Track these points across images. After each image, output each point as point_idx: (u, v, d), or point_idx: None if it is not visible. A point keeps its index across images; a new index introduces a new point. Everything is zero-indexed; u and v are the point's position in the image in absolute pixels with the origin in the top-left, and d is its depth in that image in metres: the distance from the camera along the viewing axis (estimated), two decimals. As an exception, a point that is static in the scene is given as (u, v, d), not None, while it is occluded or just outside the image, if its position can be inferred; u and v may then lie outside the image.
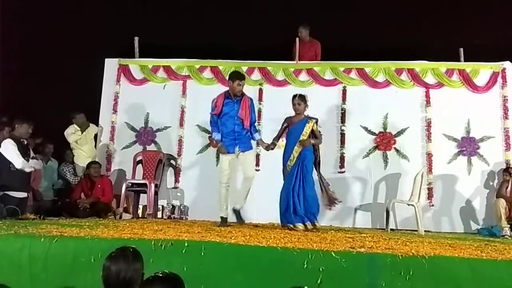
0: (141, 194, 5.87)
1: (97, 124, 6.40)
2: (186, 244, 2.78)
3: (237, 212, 4.61)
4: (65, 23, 6.98)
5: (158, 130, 6.35)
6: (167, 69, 6.48)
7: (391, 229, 5.40)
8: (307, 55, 6.43)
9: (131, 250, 1.94)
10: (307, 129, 4.60)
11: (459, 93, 6.08)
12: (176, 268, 2.67)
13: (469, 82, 6.08)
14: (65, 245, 2.90)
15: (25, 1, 6.97)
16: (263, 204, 5.73)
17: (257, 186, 5.88)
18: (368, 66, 6.25)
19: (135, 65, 6.56)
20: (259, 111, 6.19)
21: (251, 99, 4.80)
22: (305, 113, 4.76)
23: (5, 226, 3.45)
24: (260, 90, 6.28)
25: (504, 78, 6.08)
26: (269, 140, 5.74)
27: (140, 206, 5.90)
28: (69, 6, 7.02)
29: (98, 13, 7.00)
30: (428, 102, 6.07)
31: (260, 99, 6.25)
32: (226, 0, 7.15)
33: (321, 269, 2.63)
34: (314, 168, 4.69)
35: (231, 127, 4.64)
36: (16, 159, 4.69)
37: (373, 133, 6.05)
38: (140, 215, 5.78)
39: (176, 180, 6.18)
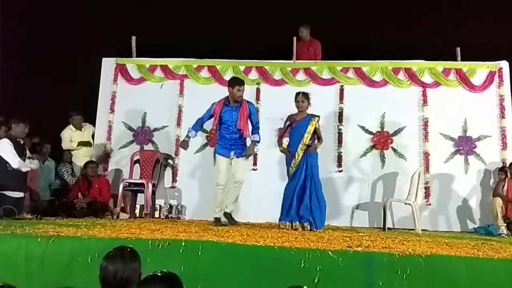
0: (139, 194, 5.87)
1: (94, 124, 6.39)
2: (183, 244, 2.78)
3: (228, 215, 4.65)
4: (63, 23, 6.96)
5: (155, 129, 6.34)
6: (165, 68, 6.47)
7: (388, 228, 5.42)
8: (306, 54, 6.44)
9: (129, 249, 1.93)
10: (310, 127, 4.59)
11: (456, 92, 6.09)
12: (173, 267, 2.67)
13: (466, 82, 6.10)
14: (62, 245, 2.89)
15: (24, 1, 6.94)
16: (261, 203, 5.76)
17: (254, 186, 5.93)
18: (365, 65, 6.26)
19: (132, 64, 6.54)
20: (256, 111, 6.18)
21: (251, 103, 4.79)
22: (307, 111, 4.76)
23: (1, 226, 3.43)
24: (258, 90, 6.28)
25: (500, 77, 6.09)
26: (269, 140, 5.83)
27: (138, 206, 5.88)
28: (67, 6, 7.00)
29: (96, 13, 6.99)
30: (425, 101, 6.08)
31: (257, 98, 6.24)
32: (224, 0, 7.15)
33: (318, 268, 2.63)
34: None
35: (229, 135, 4.68)
36: (13, 159, 4.67)
37: (370, 133, 6.06)
38: (137, 215, 5.77)
39: (174, 180, 6.17)
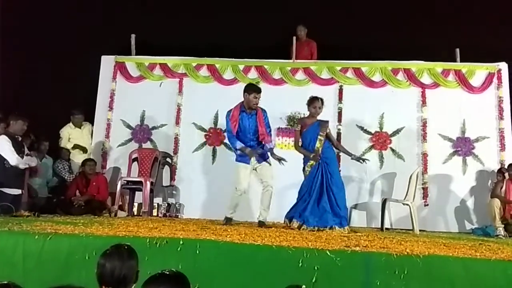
0: (137, 192, 5.86)
1: (92, 121, 6.39)
2: (181, 242, 2.78)
3: (262, 224, 4.50)
4: (62, 20, 6.94)
5: (154, 127, 6.34)
6: (164, 66, 6.46)
7: (386, 228, 5.43)
8: (302, 54, 6.45)
9: (126, 247, 1.93)
10: (322, 133, 4.57)
11: (455, 93, 6.10)
12: (171, 266, 2.63)
13: (465, 83, 6.11)
14: (59, 243, 2.88)
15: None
16: (258, 202, 5.73)
17: (252, 185, 5.92)
18: (365, 65, 6.26)
19: (131, 62, 6.54)
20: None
21: (265, 112, 4.73)
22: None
23: (-1, 223, 3.42)
24: (257, 89, 6.26)
25: (499, 78, 6.11)
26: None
27: (136, 204, 5.88)
28: (67, 4, 6.98)
29: (95, 11, 6.97)
30: (424, 102, 6.09)
31: (256, 97, 6.23)
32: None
33: (316, 268, 2.63)
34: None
35: (247, 143, 4.61)
36: (11, 156, 4.66)
37: (369, 133, 6.07)
38: (135, 213, 5.77)
39: (172, 178, 6.17)
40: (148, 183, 5.64)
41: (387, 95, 6.15)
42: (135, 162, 6.02)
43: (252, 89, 4.66)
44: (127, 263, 1.87)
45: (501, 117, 5.97)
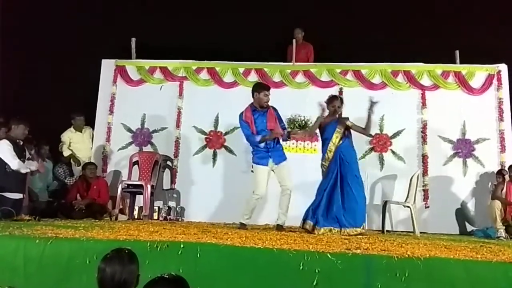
0: (137, 195, 5.86)
1: (93, 125, 6.40)
2: (182, 246, 2.77)
3: (280, 228, 4.42)
4: (63, 24, 6.98)
5: (154, 131, 6.35)
6: (164, 70, 6.48)
7: (387, 231, 5.41)
8: (299, 57, 6.46)
9: (126, 251, 1.93)
10: (340, 127, 4.55)
11: (455, 95, 6.11)
12: (172, 269, 2.63)
13: (465, 84, 6.11)
14: (60, 247, 2.88)
15: (24, 2, 6.95)
16: (260, 205, 5.73)
17: (252, 188, 5.92)
18: (365, 68, 6.27)
19: (132, 66, 6.55)
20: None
21: (276, 110, 4.69)
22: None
23: (0, 227, 3.42)
24: (257, 92, 6.28)
25: (499, 80, 6.11)
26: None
27: (136, 207, 5.88)
28: (67, 7, 7.01)
29: (95, 14, 7.00)
30: (424, 104, 6.09)
31: (256, 100, 6.24)
32: (223, 1, 7.17)
33: (317, 271, 2.63)
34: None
35: (263, 143, 4.53)
36: (12, 160, 4.66)
37: (369, 135, 6.05)
38: (136, 217, 5.77)
39: (173, 181, 6.17)
40: (149, 187, 5.64)
41: (387, 97, 6.12)
42: (136, 166, 6.02)
43: (261, 87, 4.64)
44: (127, 267, 1.87)
45: (501, 119, 5.98)
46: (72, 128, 6.23)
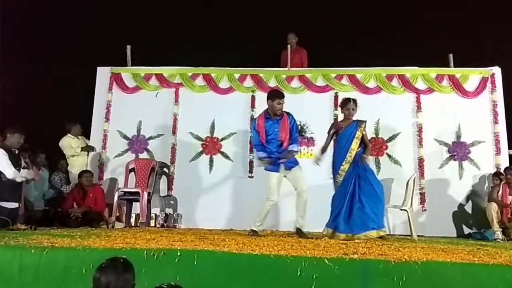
0: (134, 203, 5.84)
1: (89, 132, 6.39)
2: (178, 253, 2.76)
3: (299, 231, 4.41)
4: (58, 32, 6.98)
5: (150, 138, 6.34)
6: (160, 77, 6.48)
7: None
8: (293, 62, 6.49)
9: (121, 260, 1.92)
10: (359, 133, 4.49)
11: (449, 98, 6.14)
12: (169, 277, 2.66)
13: (459, 88, 6.15)
14: (56, 256, 2.86)
15: (19, 11, 6.96)
16: (256, 210, 5.71)
17: (250, 193, 5.92)
18: (359, 72, 6.30)
19: (127, 73, 6.55)
20: (252, 118, 6.22)
21: (292, 116, 4.60)
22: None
23: (-5, 237, 3.40)
24: (253, 97, 6.31)
25: (493, 83, 6.16)
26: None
27: (133, 215, 5.86)
28: (62, 16, 7.03)
29: (91, 22, 7.01)
30: (419, 108, 6.13)
31: (252, 106, 6.27)
32: (218, 8, 7.20)
33: (314, 277, 2.62)
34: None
35: (274, 149, 4.50)
36: (7, 169, 4.64)
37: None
38: (133, 224, 5.74)
39: (169, 188, 6.16)
40: (145, 194, 5.63)
41: (382, 101, 6.19)
42: (132, 173, 6.00)
43: (275, 95, 4.57)
44: (122, 276, 1.86)
45: (495, 121, 6.01)
46: (70, 134, 6.20)
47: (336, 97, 6.23)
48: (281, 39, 6.65)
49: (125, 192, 5.72)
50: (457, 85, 6.15)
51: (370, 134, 6.04)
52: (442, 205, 5.87)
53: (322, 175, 5.80)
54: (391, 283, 2.62)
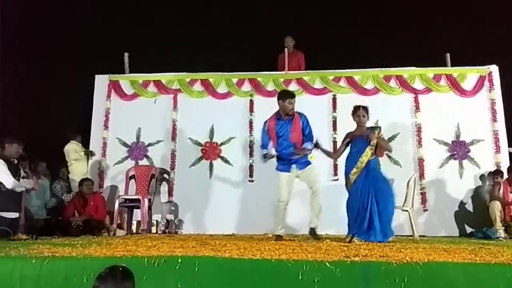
0: (135, 210, 5.84)
1: (88, 141, 6.39)
2: (179, 260, 2.75)
3: (313, 231, 4.38)
4: (56, 40, 7.01)
5: (150, 144, 6.35)
6: (158, 83, 6.50)
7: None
8: (290, 65, 6.52)
9: (121, 269, 1.90)
10: (373, 142, 4.40)
11: (448, 97, 6.15)
12: (170, 285, 2.66)
13: (457, 87, 6.16)
14: (57, 266, 2.85)
15: (16, 19, 6.99)
16: (257, 214, 5.74)
17: (250, 197, 5.93)
18: (357, 74, 6.31)
19: (125, 80, 6.58)
20: (250, 122, 6.23)
21: (304, 116, 4.55)
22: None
23: (-4, 248, 3.39)
24: (251, 101, 6.32)
25: (491, 81, 6.17)
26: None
27: (134, 222, 5.86)
28: (60, 24, 7.05)
29: (88, 31, 7.04)
30: (417, 108, 6.13)
31: (251, 110, 6.29)
32: (215, 13, 7.23)
33: (316, 280, 2.60)
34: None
35: (287, 149, 4.45)
36: (7, 179, 4.64)
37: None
38: (134, 231, 5.74)
39: (170, 194, 6.16)
40: (146, 201, 5.63)
41: (380, 102, 6.18)
42: (132, 180, 6.01)
43: (285, 95, 4.54)
44: (121, 285, 1.84)
45: (494, 120, 6.01)
46: (74, 141, 6.20)
47: (334, 99, 6.25)
48: (278, 42, 6.67)
49: (125, 199, 5.73)
50: (454, 84, 6.16)
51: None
52: (443, 205, 5.87)
53: (325, 176, 5.85)
54: (393, 284, 2.61)
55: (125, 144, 6.36)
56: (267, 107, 6.14)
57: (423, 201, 5.85)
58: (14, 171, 4.76)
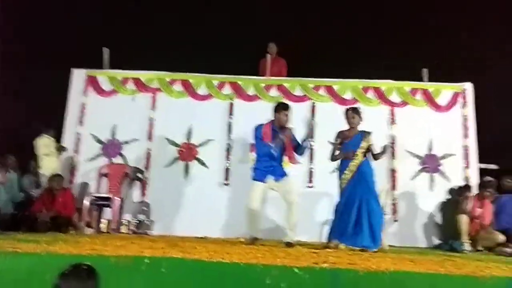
0: (106, 208, 5.72)
1: (61, 136, 6.23)
2: (146, 261, 2.71)
3: (289, 245, 4.31)
4: (32, 30, 6.84)
5: (125, 142, 6.24)
6: (137, 81, 6.42)
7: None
8: (272, 71, 6.55)
9: (85, 267, 1.86)
10: (364, 144, 4.47)
11: (422, 112, 6.30)
12: (136, 285, 2.61)
13: (432, 102, 6.32)
14: (19, 262, 2.76)
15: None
16: (231, 218, 5.72)
17: (225, 200, 5.90)
18: (336, 84, 6.40)
19: (103, 76, 6.46)
20: (229, 125, 6.22)
21: (290, 129, 4.59)
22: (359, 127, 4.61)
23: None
24: (231, 105, 6.31)
25: (464, 98, 6.35)
26: (241, 155, 5.88)
27: (105, 221, 5.73)
28: (38, 16, 6.89)
29: (67, 24, 6.90)
30: (393, 120, 6.25)
31: (230, 113, 6.27)
32: (198, 14, 7.21)
33: (283, 285, 2.61)
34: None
35: (269, 161, 4.45)
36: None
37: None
38: (103, 230, 5.61)
39: (143, 194, 6.06)
40: (117, 199, 5.52)
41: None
42: (105, 178, 5.88)
43: (281, 107, 4.58)
44: (84, 284, 1.80)
45: (466, 135, 6.19)
46: (46, 135, 6.02)
47: (313, 107, 6.30)
48: (261, 47, 6.69)
49: (96, 197, 5.60)
50: (430, 99, 6.32)
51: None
52: (413, 216, 5.99)
53: (301, 183, 5.89)
54: (359, 292, 2.64)
55: (99, 141, 6.23)
56: (247, 111, 6.20)
57: (394, 211, 5.96)
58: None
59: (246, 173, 5.66)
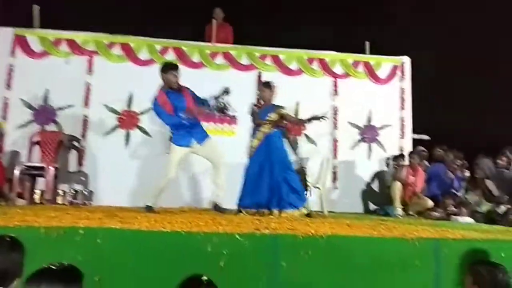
0: (39, 178, 5.38)
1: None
2: (81, 232, 2.58)
3: (217, 207, 4.27)
4: None
5: (59, 109, 5.84)
6: (71, 42, 5.97)
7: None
8: (218, 37, 6.37)
9: (8, 239, 1.73)
10: (273, 116, 4.49)
11: (363, 84, 6.51)
12: (69, 257, 2.46)
13: (372, 74, 6.53)
14: None
15: None
16: (173, 188, 5.61)
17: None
18: (283, 53, 6.38)
19: (33, 36, 5.93)
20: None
21: (189, 88, 4.42)
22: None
23: None
24: (174, 71, 6.07)
25: (402, 71, 6.62)
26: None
27: (38, 191, 5.39)
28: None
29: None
30: (336, 92, 6.39)
31: (174, 80, 6.04)
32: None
33: (224, 252, 2.62)
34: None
35: (186, 121, 4.26)
36: None
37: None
38: (37, 201, 5.29)
39: (80, 163, 5.77)
40: (52, 169, 5.21)
41: (302, 83, 6.35)
42: (37, 146, 5.50)
43: (168, 67, 4.31)
44: (8, 256, 1.68)
45: (402, 107, 6.51)
46: None
47: (259, 76, 6.26)
48: (206, 13, 6.46)
49: (28, 167, 5.24)
50: (371, 72, 6.52)
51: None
52: (352, 184, 6.28)
53: (239, 154, 5.87)
54: (298, 256, 2.72)
55: (30, 107, 5.79)
56: (192, 78, 5.95)
57: (335, 179, 6.20)
58: None
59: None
